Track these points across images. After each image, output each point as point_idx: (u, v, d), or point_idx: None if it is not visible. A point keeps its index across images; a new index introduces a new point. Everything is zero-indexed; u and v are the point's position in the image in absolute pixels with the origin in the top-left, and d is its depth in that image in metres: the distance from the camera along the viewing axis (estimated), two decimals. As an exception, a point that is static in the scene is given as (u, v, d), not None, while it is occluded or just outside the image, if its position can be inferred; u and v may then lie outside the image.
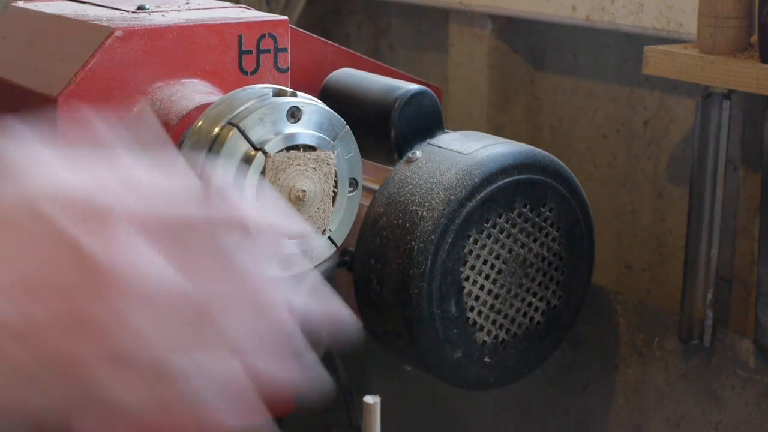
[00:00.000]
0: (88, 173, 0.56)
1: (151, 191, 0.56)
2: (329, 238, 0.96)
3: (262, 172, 0.90)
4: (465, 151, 1.09)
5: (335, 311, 0.60)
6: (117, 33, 1.00)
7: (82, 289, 0.53)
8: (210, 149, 0.91)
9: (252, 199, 0.91)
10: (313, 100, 0.94)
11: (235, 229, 0.57)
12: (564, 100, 1.46)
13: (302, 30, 1.20)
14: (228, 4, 1.16)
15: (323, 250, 0.97)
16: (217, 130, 0.91)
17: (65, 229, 0.53)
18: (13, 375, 0.53)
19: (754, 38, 1.12)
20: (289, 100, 0.92)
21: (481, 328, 1.10)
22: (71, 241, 0.53)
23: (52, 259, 0.53)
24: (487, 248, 1.09)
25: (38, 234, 0.54)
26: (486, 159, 1.08)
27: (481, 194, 1.07)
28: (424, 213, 1.06)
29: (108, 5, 1.12)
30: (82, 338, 0.53)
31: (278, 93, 0.93)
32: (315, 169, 0.92)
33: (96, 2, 1.14)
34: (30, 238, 0.54)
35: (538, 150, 1.12)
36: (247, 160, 0.90)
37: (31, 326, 0.52)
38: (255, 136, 0.90)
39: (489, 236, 1.08)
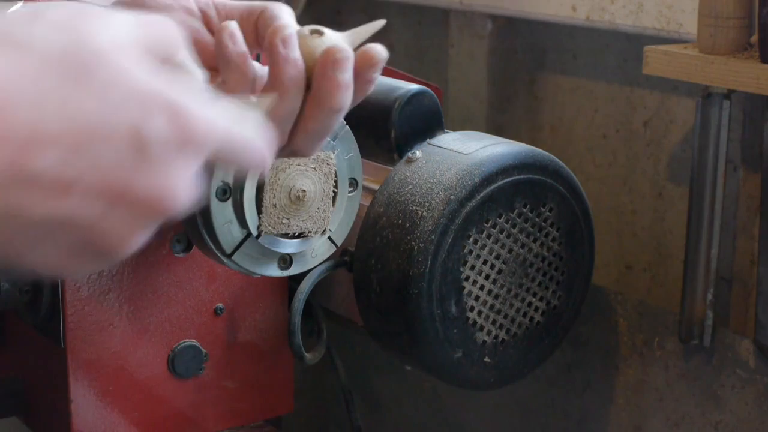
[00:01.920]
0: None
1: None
2: (329, 238, 0.96)
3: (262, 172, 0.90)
4: (465, 151, 1.09)
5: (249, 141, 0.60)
6: (117, 33, 0.99)
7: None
8: (210, 149, 0.91)
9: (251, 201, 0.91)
10: (313, 100, 0.93)
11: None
12: (564, 100, 1.46)
13: (302, 30, 1.20)
14: (228, 4, 1.16)
15: (323, 250, 0.97)
16: (217, 130, 0.91)
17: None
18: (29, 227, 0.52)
19: (754, 38, 1.12)
20: (289, 100, 0.92)
21: (481, 328, 1.10)
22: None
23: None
24: (487, 248, 1.09)
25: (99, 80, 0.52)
26: (486, 159, 1.08)
27: (481, 194, 1.07)
28: (424, 213, 1.05)
29: (108, 5, 1.12)
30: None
31: (278, 93, 0.93)
32: (315, 169, 0.92)
33: (96, 2, 1.14)
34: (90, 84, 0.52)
35: (538, 150, 1.12)
36: (247, 160, 0.90)
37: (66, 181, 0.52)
38: (255, 136, 0.90)
39: (489, 236, 1.08)
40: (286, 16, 0.76)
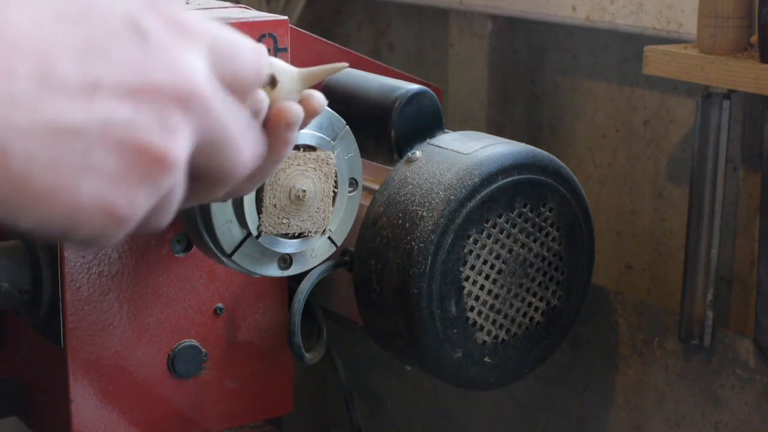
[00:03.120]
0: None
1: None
2: (329, 238, 0.96)
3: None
4: (465, 151, 1.09)
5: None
6: (117, 33, 0.99)
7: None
8: (210, 149, 0.91)
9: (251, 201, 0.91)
10: (313, 100, 0.93)
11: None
12: (564, 100, 1.46)
13: (302, 30, 1.20)
14: (228, 3, 1.16)
15: (323, 250, 0.97)
16: (217, 130, 0.91)
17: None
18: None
19: (754, 38, 1.12)
20: (289, 100, 0.92)
21: (481, 328, 1.10)
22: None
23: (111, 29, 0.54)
24: (487, 248, 1.09)
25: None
26: (486, 159, 1.08)
27: (481, 194, 1.07)
28: (424, 213, 1.06)
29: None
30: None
31: (278, 93, 0.93)
32: (315, 169, 0.92)
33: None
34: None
35: (538, 150, 1.12)
36: (247, 160, 0.90)
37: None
38: (255, 136, 0.90)
39: (489, 236, 1.08)
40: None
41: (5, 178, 0.51)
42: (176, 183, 0.57)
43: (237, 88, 0.61)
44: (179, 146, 0.55)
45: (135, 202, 0.55)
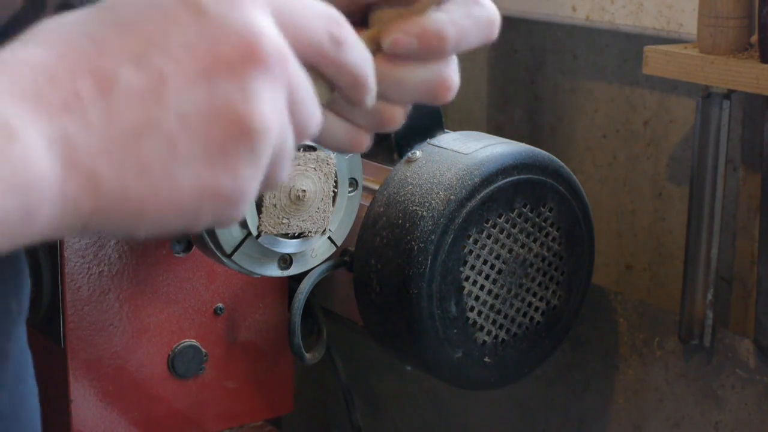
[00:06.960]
0: None
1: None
2: (329, 238, 0.96)
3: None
4: (465, 151, 1.09)
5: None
6: (117, 33, 0.99)
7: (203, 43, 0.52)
8: (210, 149, 0.91)
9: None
10: (313, 100, 0.93)
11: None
12: (564, 100, 1.46)
13: (302, 30, 1.20)
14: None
15: (323, 250, 0.97)
16: (217, 130, 0.91)
17: None
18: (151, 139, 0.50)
19: (754, 38, 1.12)
20: (289, 100, 0.92)
21: (481, 328, 1.10)
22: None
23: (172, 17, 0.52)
24: (487, 248, 1.09)
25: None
26: (486, 159, 1.08)
27: (481, 194, 1.07)
28: (424, 213, 1.05)
29: (108, 5, 1.12)
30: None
31: (278, 93, 0.93)
32: (315, 169, 0.92)
33: (96, 2, 1.14)
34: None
35: (538, 150, 1.12)
36: (247, 160, 0.90)
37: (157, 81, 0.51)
38: (255, 136, 0.90)
39: (489, 236, 1.08)
40: None
41: (104, 198, 0.51)
42: (279, 142, 0.56)
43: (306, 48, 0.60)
44: (265, 107, 0.53)
45: (239, 177, 0.54)
